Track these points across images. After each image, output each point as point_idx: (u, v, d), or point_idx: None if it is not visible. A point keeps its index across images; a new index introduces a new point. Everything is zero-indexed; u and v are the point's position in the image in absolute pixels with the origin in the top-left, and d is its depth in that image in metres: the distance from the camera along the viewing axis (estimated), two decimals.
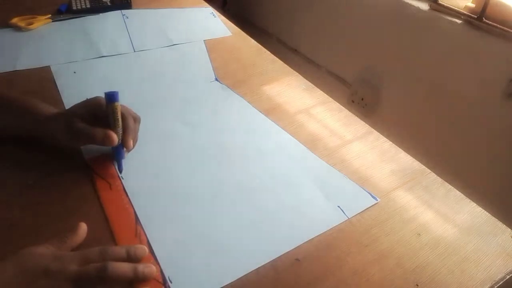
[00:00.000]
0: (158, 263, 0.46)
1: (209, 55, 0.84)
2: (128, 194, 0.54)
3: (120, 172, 0.57)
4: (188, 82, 0.77)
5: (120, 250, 0.45)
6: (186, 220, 0.52)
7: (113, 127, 0.56)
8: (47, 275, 0.41)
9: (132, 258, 0.45)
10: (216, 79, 0.78)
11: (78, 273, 0.42)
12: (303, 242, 0.51)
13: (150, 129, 0.66)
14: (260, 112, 0.70)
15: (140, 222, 0.51)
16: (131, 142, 0.57)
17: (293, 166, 0.61)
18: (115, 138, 0.55)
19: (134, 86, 0.75)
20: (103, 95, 0.57)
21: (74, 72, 0.77)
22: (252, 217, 0.53)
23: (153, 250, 0.48)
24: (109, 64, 0.80)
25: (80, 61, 0.80)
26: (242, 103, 0.72)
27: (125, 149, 0.57)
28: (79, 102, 0.58)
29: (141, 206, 0.53)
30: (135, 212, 0.52)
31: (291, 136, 0.66)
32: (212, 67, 0.81)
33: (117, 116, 0.56)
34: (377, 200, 0.56)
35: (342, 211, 0.55)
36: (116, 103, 0.56)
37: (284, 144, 0.65)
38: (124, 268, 0.43)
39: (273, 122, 0.68)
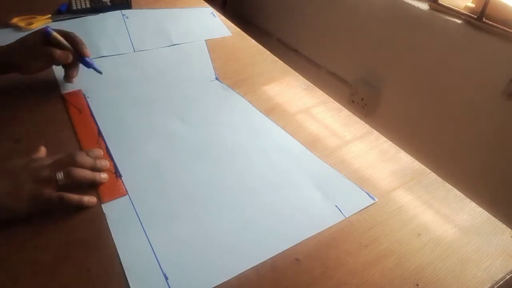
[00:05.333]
0: (112, 160, 0.60)
1: (210, 55, 0.84)
2: (126, 187, 0.57)
3: (100, 72, 0.74)
4: (188, 81, 0.77)
5: (82, 152, 0.58)
6: (185, 217, 0.53)
7: (65, 49, 0.69)
8: (27, 170, 0.52)
9: (91, 156, 0.58)
10: (217, 78, 0.78)
11: (54, 162, 0.54)
12: (300, 241, 0.51)
13: (151, 127, 0.66)
14: (260, 111, 0.70)
15: (102, 136, 0.64)
16: (86, 49, 0.71)
17: (292, 166, 0.61)
18: (69, 55, 0.69)
19: (135, 85, 0.75)
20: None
21: None
22: (250, 215, 0.54)
23: (110, 153, 0.61)
24: (110, 63, 0.80)
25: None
26: (242, 103, 0.72)
27: (88, 58, 0.72)
28: (26, 35, 0.70)
29: (141, 204, 0.54)
30: (98, 129, 0.65)
31: (290, 136, 0.66)
32: (213, 66, 0.81)
33: (61, 41, 0.68)
34: (374, 199, 0.56)
35: (340, 210, 0.55)
36: (53, 34, 0.68)
37: (284, 143, 0.65)
38: (87, 159, 0.57)
39: (272, 122, 0.68)
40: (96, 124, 0.66)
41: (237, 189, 0.57)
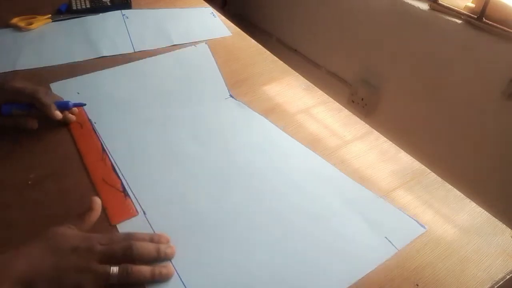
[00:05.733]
0: (119, 178, 0.56)
1: (220, 71, 0.79)
2: (144, 210, 0.53)
3: (84, 104, 0.68)
4: (201, 101, 0.72)
5: (144, 236, 0.48)
6: (219, 255, 0.48)
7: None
8: (76, 253, 0.43)
9: (155, 241, 0.48)
10: (231, 96, 0.73)
11: (105, 251, 0.44)
12: (352, 283, 0.46)
13: (164, 150, 0.62)
14: (284, 132, 0.66)
15: (106, 151, 0.61)
16: (54, 111, 0.63)
17: (331, 194, 0.56)
18: (35, 122, 0.63)
19: (141, 103, 0.72)
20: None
21: (78, 93, 0.72)
22: (293, 253, 0.49)
23: (116, 170, 0.57)
24: (109, 73, 0.77)
25: (82, 78, 0.76)
26: (262, 121, 0.68)
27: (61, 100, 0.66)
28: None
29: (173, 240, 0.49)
30: (102, 144, 0.62)
31: (322, 159, 0.61)
32: (225, 83, 0.77)
33: (23, 114, 0.63)
34: (425, 228, 0.53)
35: (391, 242, 0.51)
36: (13, 111, 0.63)
37: (317, 169, 0.60)
38: (148, 247, 0.46)
39: (300, 144, 0.64)
40: (99, 138, 0.63)
41: (272, 222, 0.52)
